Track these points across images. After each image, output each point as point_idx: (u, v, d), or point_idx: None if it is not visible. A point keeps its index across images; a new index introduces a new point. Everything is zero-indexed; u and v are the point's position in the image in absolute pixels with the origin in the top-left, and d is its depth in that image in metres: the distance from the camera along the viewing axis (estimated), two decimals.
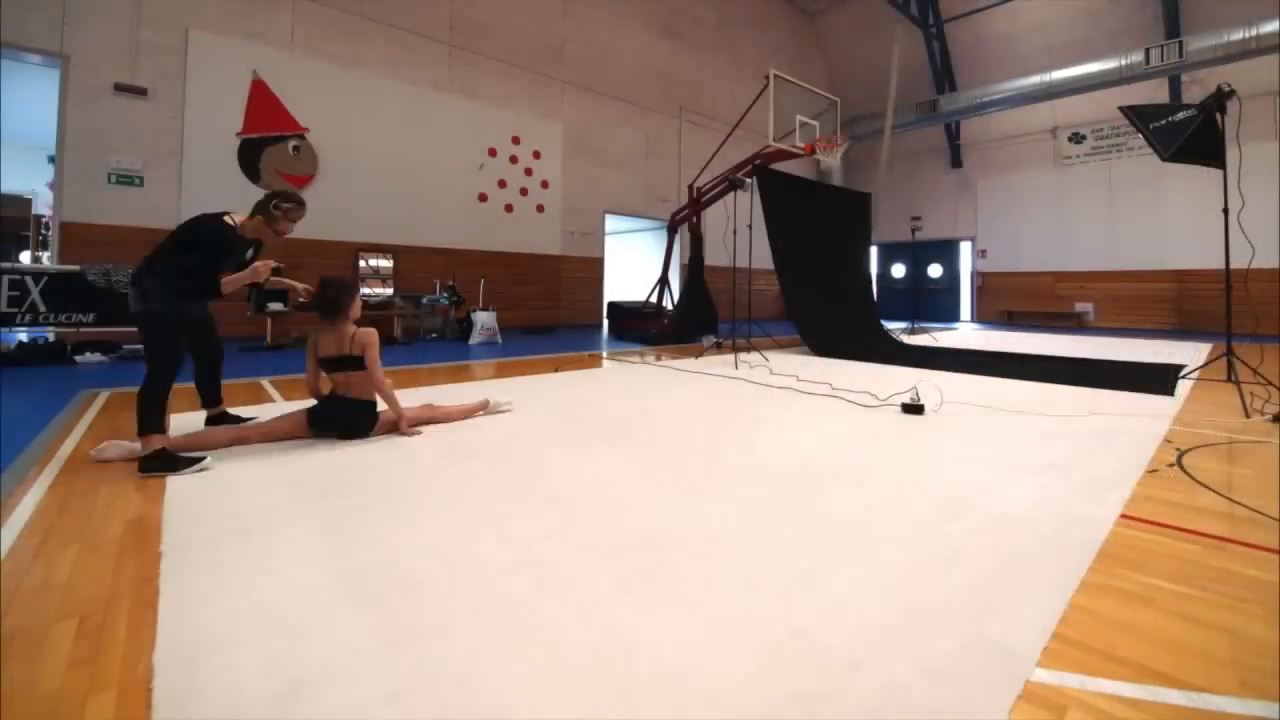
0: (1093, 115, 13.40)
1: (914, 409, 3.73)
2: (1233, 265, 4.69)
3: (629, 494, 2.26)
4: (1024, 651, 1.27)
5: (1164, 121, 4.69)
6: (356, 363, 2.97)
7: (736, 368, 5.84)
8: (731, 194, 7.64)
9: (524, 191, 10.96)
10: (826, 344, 7.36)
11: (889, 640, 1.31)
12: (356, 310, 3.14)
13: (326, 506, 2.07)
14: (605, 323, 11.27)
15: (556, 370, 5.62)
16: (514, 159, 10.81)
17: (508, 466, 2.59)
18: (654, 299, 10.33)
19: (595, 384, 4.99)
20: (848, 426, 3.42)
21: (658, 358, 6.79)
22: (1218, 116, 4.41)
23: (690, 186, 9.73)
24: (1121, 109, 4.90)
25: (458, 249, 10.05)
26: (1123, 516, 2.06)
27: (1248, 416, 3.65)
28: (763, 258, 7.78)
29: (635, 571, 1.63)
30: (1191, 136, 4.52)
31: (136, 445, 2.48)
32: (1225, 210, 4.25)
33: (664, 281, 10.27)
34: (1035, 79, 12.60)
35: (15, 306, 5.54)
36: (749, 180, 7.43)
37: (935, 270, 16.56)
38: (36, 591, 1.49)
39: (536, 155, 11.11)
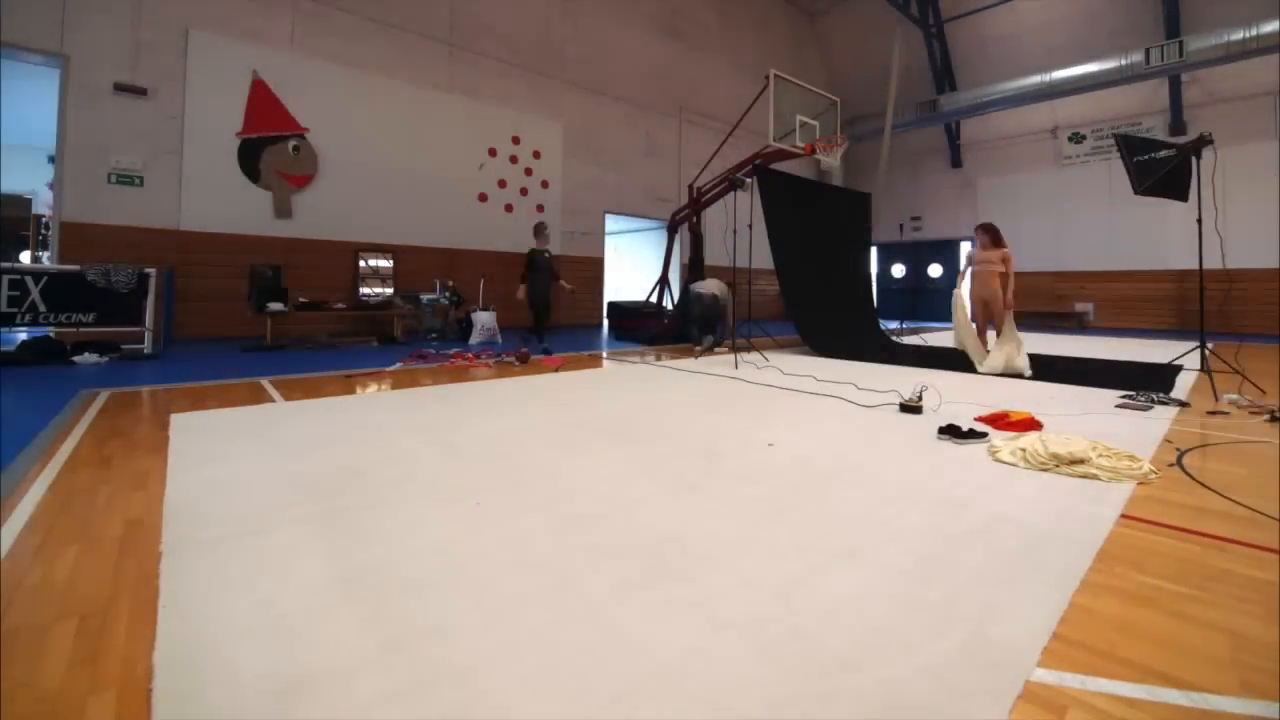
0: (1093, 115, 13.41)
1: (913, 409, 3.73)
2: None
3: (629, 494, 2.26)
4: (1024, 651, 1.27)
5: (1147, 157, 5.15)
6: None
7: (736, 368, 5.84)
8: (731, 194, 7.64)
9: (524, 191, 10.96)
10: (826, 344, 7.36)
11: (889, 640, 1.31)
12: None
13: (326, 506, 2.07)
14: (605, 323, 11.27)
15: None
16: (514, 159, 10.81)
17: (508, 466, 2.59)
18: (654, 299, 10.32)
19: (595, 384, 4.99)
20: (847, 426, 3.43)
21: (658, 358, 6.79)
22: (1193, 160, 4.90)
23: (690, 186, 9.73)
24: (1116, 136, 5.47)
25: (458, 249, 10.05)
26: (1123, 516, 2.06)
27: (1216, 400, 4.05)
28: (763, 258, 7.78)
29: (635, 571, 1.63)
30: (1166, 175, 5.00)
31: None
32: (1199, 220, 4.85)
33: (664, 281, 10.27)
34: (1035, 79, 12.61)
35: (15, 306, 5.54)
36: (749, 180, 7.43)
37: (935, 270, 16.56)
38: (36, 591, 1.49)
39: (536, 155, 11.11)
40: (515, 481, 2.39)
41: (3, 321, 5.51)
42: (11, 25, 6.39)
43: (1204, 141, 4.73)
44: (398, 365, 5.72)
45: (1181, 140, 5.34)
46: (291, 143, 8.32)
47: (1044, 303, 14.07)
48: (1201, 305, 5.02)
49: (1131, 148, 5.29)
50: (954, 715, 1.09)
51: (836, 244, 9.07)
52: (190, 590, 1.50)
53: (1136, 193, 5.23)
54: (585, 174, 11.95)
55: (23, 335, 6.08)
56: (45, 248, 10.82)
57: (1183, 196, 5.02)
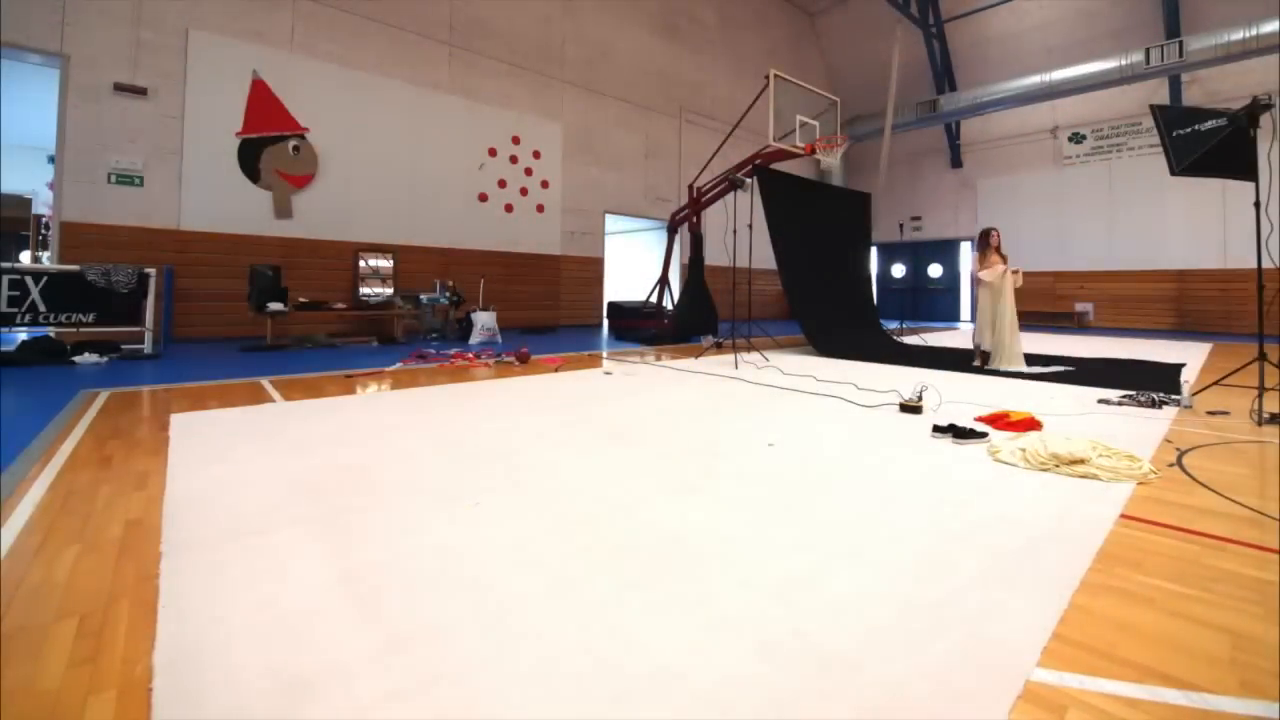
0: (1093, 115, 13.41)
1: (912, 409, 3.73)
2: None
3: (629, 494, 2.26)
4: (1024, 651, 1.27)
5: (1189, 130, 4.33)
6: None
7: (736, 368, 5.84)
8: (732, 194, 7.64)
9: (524, 191, 10.96)
10: (828, 343, 7.36)
11: (889, 640, 1.31)
12: None
13: (326, 506, 2.07)
14: (605, 323, 11.27)
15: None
16: (514, 159, 10.81)
17: (508, 466, 2.59)
18: (654, 299, 10.33)
19: (595, 384, 4.99)
20: (847, 426, 3.43)
21: (658, 358, 6.79)
22: (1250, 129, 4.09)
23: (690, 186, 9.73)
24: (1152, 107, 4.55)
25: (458, 249, 10.05)
26: (1123, 516, 2.06)
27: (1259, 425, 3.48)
28: (762, 258, 7.78)
29: (635, 571, 1.63)
30: (1215, 149, 4.21)
31: None
32: (1257, 204, 3.99)
33: (664, 281, 10.27)
34: (1035, 79, 12.60)
35: (15, 306, 5.54)
36: (749, 180, 7.43)
37: (935, 270, 16.56)
38: (36, 591, 1.49)
39: (536, 155, 11.11)
40: (515, 481, 2.39)
41: (3, 321, 5.51)
42: (11, 25, 6.39)
43: (1260, 107, 3.98)
44: (398, 365, 5.72)
45: (1233, 108, 4.17)
46: (291, 143, 8.32)
47: (1044, 303, 14.06)
48: (1260, 306, 4.04)
49: (1170, 120, 4.43)
50: (954, 715, 1.09)
51: (837, 244, 9.07)
52: (190, 590, 1.50)
53: (1174, 173, 4.41)
54: (585, 174, 11.94)
55: (23, 335, 6.08)
56: (45, 248, 10.82)
57: (1244, 173, 4.17)
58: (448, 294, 8.82)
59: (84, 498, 2.15)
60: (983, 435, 3.10)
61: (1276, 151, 4.04)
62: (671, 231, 10.23)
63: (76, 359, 5.44)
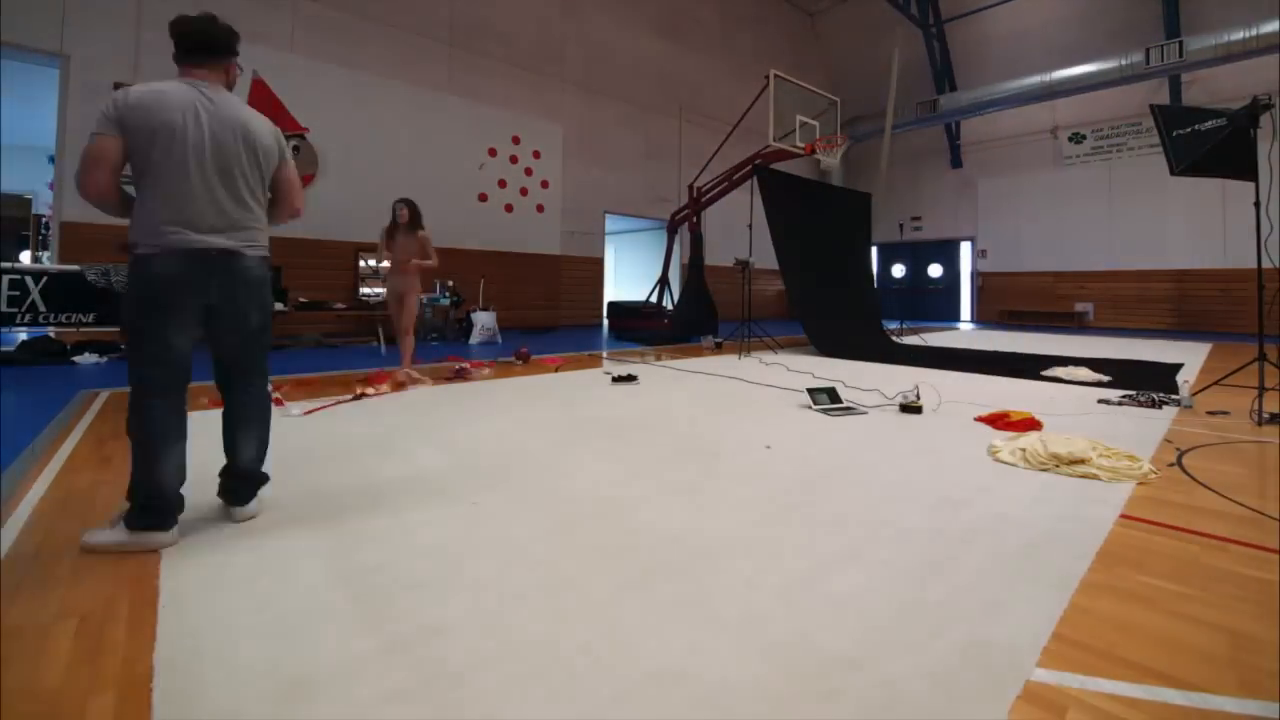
0: (1093, 115, 13.40)
1: (912, 409, 3.73)
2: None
3: (628, 494, 2.26)
4: (1024, 651, 1.27)
5: (1189, 130, 4.32)
6: None
7: (737, 368, 5.84)
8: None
9: (524, 191, 10.96)
10: (828, 343, 7.36)
11: (889, 640, 1.31)
12: None
13: (326, 506, 2.07)
14: (605, 323, 11.28)
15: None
16: (514, 159, 10.80)
17: (508, 466, 2.59)
18: (654, 299, 10.33)
19: (595, 384, 4.99)
20: (847, 426, 3.42)
21: (658, 358, 6.79)
22: (1250, 129, 4.07)
23: (690, 186, 9.72)
24: (1152, 107, 4.54)
25: (458, 249, 10.04)
26: (1123, 516, 2.06)
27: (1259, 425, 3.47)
28: (762, 257, 7.77)
29: (635, 571, 1.63)
30: (1215, 149, 4.20)
31: None
32: (1257, 204, 3.99)
33: (664, 281, 10.27)
34: (1035, 79, 12.59)
35: (15, 306, 5.54)
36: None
37: (935, 270, 16.56)
38: (36, 591, 1.49)
39: (536, 155, 11.11)
40: (515, 481, 2.39)
41: (3, 321, 5.51)
42: (11, 25, 6.39)
43: (1261, 107, 3.94)
44: (397, 366, 5.71)
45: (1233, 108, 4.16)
46: (291, 143, 8.31)
47: (1044, 303, 14.07)
48: (1260, 306, 4.01)
49: (1170, 120, 4.41)
50: (954, 715, 1.09)
51: (838, 244, 9.07)
52: (190, 590, 1.50)
53: (1174, 173, 4.40)
54: (585, 174, 11.94)
55: (23, 335, 6.08)
56: (45, 248, 10.82)
57: (1244, 173, 4.13)
58: (448, 294, 8.82)
59: (84, 498, 2.14)
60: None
61: (1276, 151, 4.03)
62: (671, 231, 10.23)
63: (76, 359, 5.44)
